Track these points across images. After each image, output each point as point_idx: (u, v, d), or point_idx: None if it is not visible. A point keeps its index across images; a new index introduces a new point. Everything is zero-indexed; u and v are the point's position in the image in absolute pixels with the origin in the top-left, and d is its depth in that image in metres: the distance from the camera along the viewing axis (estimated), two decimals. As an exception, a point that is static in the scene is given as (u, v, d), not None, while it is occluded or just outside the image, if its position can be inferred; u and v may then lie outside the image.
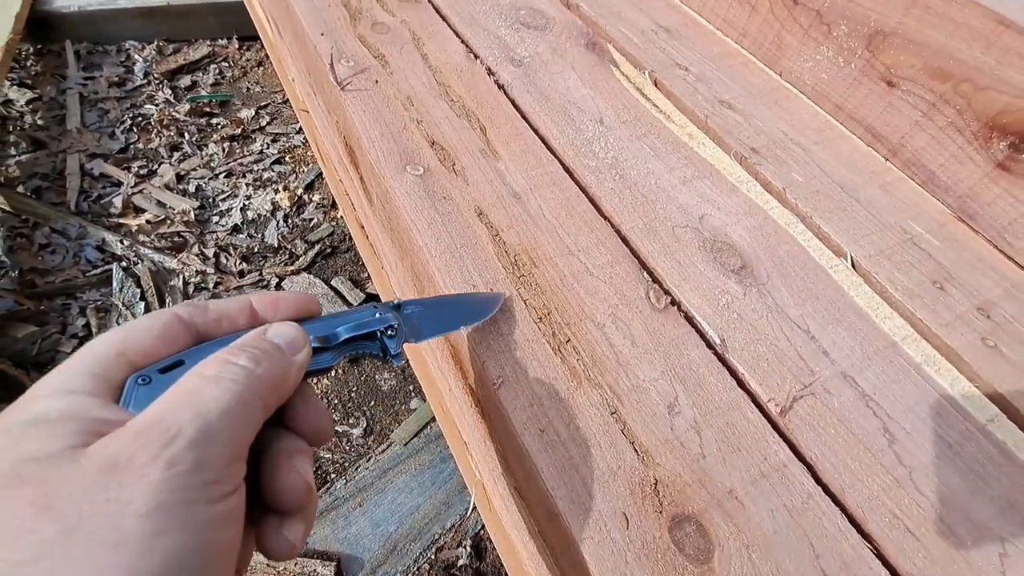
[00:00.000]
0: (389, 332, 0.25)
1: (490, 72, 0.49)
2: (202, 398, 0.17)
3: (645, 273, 0.36)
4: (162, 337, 0.20)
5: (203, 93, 1.29)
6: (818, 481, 0.29)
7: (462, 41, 0.52)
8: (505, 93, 0.48)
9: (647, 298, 0.35)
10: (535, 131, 0.45)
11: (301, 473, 0.20)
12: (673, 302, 0.35)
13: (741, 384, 0.32)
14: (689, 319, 0.34)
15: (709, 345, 0.33)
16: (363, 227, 0.70)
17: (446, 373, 0.45)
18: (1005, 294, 0.40)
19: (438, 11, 0.56)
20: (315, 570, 0.66)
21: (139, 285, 0.94)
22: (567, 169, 0.42)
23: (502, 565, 0.73)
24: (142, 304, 0.92)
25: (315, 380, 0.87)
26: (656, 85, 0.51)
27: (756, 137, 0.47)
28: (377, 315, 0.25)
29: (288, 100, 1.30)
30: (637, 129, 0.46)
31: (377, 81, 0.47)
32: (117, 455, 0.16)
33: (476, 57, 0.51)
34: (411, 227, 0.37)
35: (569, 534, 0.26)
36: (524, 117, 0.46)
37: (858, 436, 0.30)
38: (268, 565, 0.66)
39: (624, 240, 0.38)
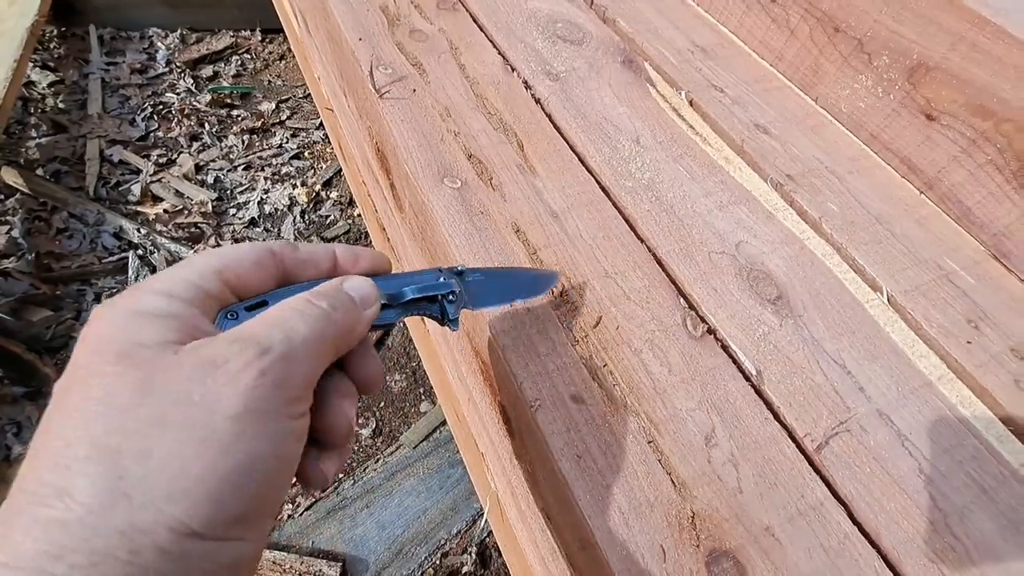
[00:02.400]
0: (450, 297, 0.26)
1: (527, 85, 0.49)
2: (289, 324, 0.19)
3: (682, 299, 0.36)
4: (256, 265, 0.21)
5: (224, 84, 1.29)
6: (854, 521, 0.29)
7: (499, 52, 0.52)
8: (542, 108, 0.48)
9: (684, 325, 0.35)
10: (572, 148, 0.45)
11: (348, 415, 0.22)
12: (710, 331, 0.35)
13: (777, 417, 0.32)
14: (725, 348, 0.34)
15: (746, 376, 0.33)
16: (384, 229, 0.70)
17: (470, 385, 0.45)
18: (1039, 336, 0.39)
19: (475, 20, 0.56)
20: (321, 570, 0.66)
21: (154, 272, 0.94)
22: (604, 189, 0.42)
23: (508, 573, 0.73)
24: (157, 293, 0.92)
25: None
26: (692, 106, 0.51)
27: (792, 164, 0.47)
28: (441, 279, 0.26)
29: (309, 95, 1.30)
30: (673, 150, 0.46)
31: (415, 90, 0.47)
32: (214, 356, 0.17)
33: (513, 70, 0.50)
34: (448, 241, 0.37)
35: (605, 565, 0.26)
36: (561, 133, 0.46)
37: (893, 476, 0.30)
38: (274, 563, 0.66)
39: (660, 264, 0.38)
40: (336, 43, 0.57)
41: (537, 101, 0.48)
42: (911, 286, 0.40)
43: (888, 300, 0.39)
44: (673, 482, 0.28)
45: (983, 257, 0.44)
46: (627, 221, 0.40)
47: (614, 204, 0.41)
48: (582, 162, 0.44)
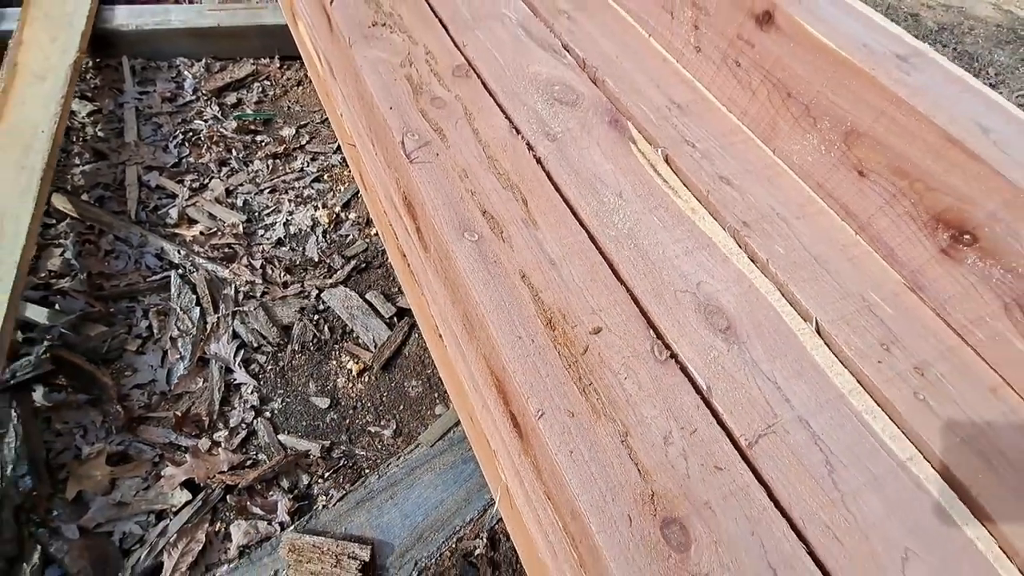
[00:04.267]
0: None
1: (529, 147, 0.59)
2: None
3: (651, 331, 0.46)
4: None
5: (248, 111, 1.39)
6: (772, 498, 0.39)
7: (506, 116, 0.62)
8: (542, 167, 0.58)
9: (652, 352, 0.45)
10: (567, 203, 0.55)
11: None
12: (672, 355, 0.45)
13: (720, 422, 0.42)
14: (684, 369, 0.44)
15: (698, 391, 0.43)
16: (405, 257, 0.80)
17: (485, 395, 0.55)
18: (940, 356, 0.49)
19: (485, 85, 0.66)
20: (354, 552, 0.77)
21: (195, 292, 1.04)
22: (592, 238, 0.52)
23: (514, 554, 0.83)
24: (197, 309, 1.02)
25: (350, 385, 0.98)
26: (667, 161, 0.61)
27: (748, 211, 0.57)
28: None
29: (326, 121, 1.40)
30: (650, 202, 0.56)
31: (438, 154, 0.57)
32: None
33: (518, 132, 0.61)
34: (469, 286, 0.47)
35: (589, 529, 0.36)
36: (558, 189, 0.56)
37: (806, 466, 0.40)
38: (314, 546, 0.77)
39: (636, 302, 0.48)
40: (367, 106, 0.67)
41: (538, 161, 0.58)
42: (837, 316, 0.50)
43: (816, 328, 0.49)
44: (639, 470, 0.38)
45: (903, 290, 0.54)
46: (611, 266, 0.50)
47: (600, 252, 0.51)
48: (575, 215, 0.54)
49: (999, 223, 0.47)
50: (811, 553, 0.36)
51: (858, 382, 0.46)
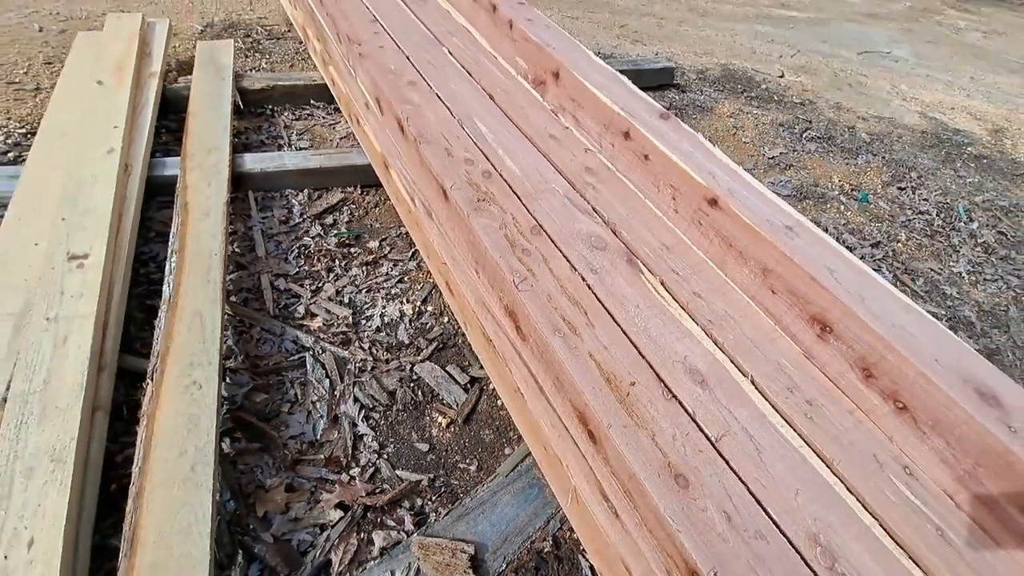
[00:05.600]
0: None
1: (583, 278, 1.02)
2: None
3: (661, 383, 0.86)
4: None
5: (343, 229, 1.85)
6: (728, 466, 0.77)
7: (566, 259, 1.06)
8: (591, 291, 1.00)
9: (662, 395, 0.84)
10: (608, 312, 0.97)
11: None
12: (673, 396, 0.85)
13: (701, 430, 0.81)
14: (680, 404, 0.84)
15: (689, 415, 0.83)
16: (491, 341, 1.21)
17: (567, 424, 0.94)
18: (820, 395, 0.89)
19: (551, 239, 1.10)
20: (463, 548, 1.11)
21: (324, 368, 1.43)
22: (624, 333, 0.93)
23: (572, 551, 1.17)
24: (327, 380, 1.41)
25: (441, 434, 1.35)
26: (662, 284, 1.03)
27: (711, 314, 0.99)
28: None
29: (403, 234, 1.85)
30: (655, 311, 0.98)
31: (532, 285, 0.99)
32: None
33: (575, 269, 1.03)
34: (562, 361, 0.87)
35: (642, 485, 0.74)
36: (602, 304, 0.98)
37: (747, 452, 0.79)
38: (435, 544, 1.11)
39: (651, 367, 0.88)
40: (478, 251, 1.10)
41: (588, 287, 1.01)
42: (763, 374, 0.90)
43: (751, 381, 0.89)
44: (661, 452, 0.77)
45: (800, 358, 0.95)
46: (636, 348, 0.91)
47: (630, 340, 0.92)
48: (613, 319, 0.95)
49: (840, 322, 0.88)
50: (740, 479, 0.74)
51: (774, 409, 0.86)
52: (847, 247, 2.16)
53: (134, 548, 0.93)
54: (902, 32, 5.43)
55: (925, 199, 2.54)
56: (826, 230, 2.23)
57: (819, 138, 2.88)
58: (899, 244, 2.24)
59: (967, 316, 1.97)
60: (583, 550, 1.14)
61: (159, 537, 0.94)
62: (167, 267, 1.42)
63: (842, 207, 2.40)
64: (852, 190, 2.52)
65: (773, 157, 2.65)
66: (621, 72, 2.87)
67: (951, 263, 2.21)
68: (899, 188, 2.59)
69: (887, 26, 5.55)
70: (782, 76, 3.64)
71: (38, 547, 0.91)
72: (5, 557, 0.90)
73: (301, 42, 2.77)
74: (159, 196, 1.79)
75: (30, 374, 1.12)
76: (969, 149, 3.20)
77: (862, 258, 2.12)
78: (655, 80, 3.02)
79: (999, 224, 2.50)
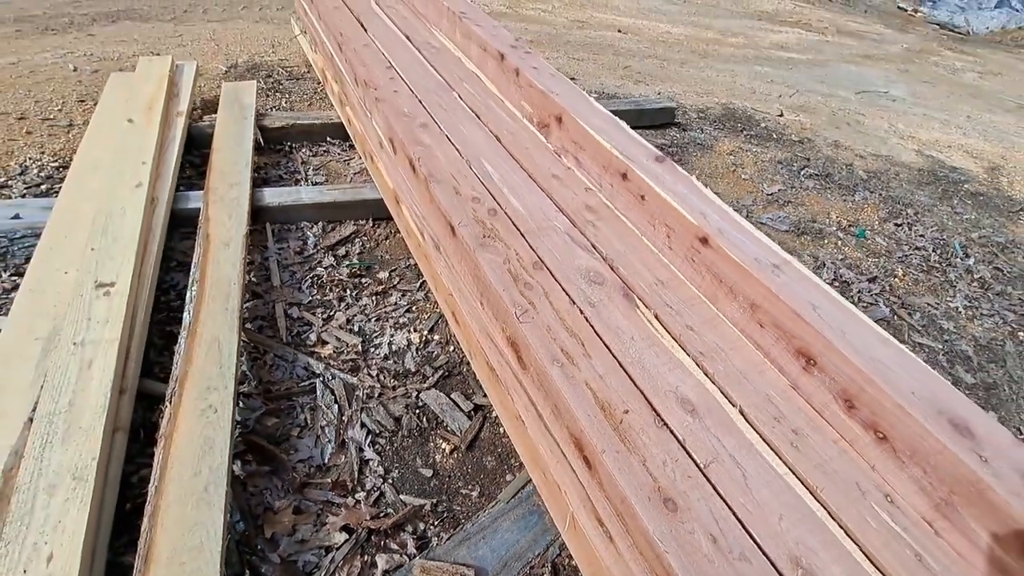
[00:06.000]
0: None
1: (581, 311, 1.08)
2: None
3: (653, 411, 0.91)
4: None
5: (354, 260, 1.93)
6: (715, 491, 0.81)
7: (566, 293, 1.12)
8: (589, 323, 1.06)
9: (654, 423, 0.89)
10: (605, 344, 1.02)
11: None
12: (665, 424, 0.89)
13: (689, 455, 0.85)
14: (671, 431, 0.89)
15: (679, 442, 0.87)
16: (494, 370, 1.26)
17: (564, 451, 0.98)
18: (806, 425, 0.94)
19: (552, 274, 1.16)
20: (463, 572, 1.14)
21: (333, 394, 1.49)
22: (620, 364, 0.99)
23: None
24: (336, 406, 1.46)
25: (445, 460, 1.38)
26: (656, 318, 1.09)
27: (703, 346, 1.04)
28: None
29: (411, 265, 1.92)
30: (649, 343, 1.03)
31: (533, 318, 1.05)
32: None
33: (574, 303, 1.10)
34: (559, 391, 0.93)
35: (633, 508, 0.78)
36: (599, 336, 1.03)
37: (733, 478, 0.83)
38: (437, 567, 1.14)
39: (644, 397, 0.93)
40: (483, 284, 1.17)
41: (586, 319, 1.06)
42: (751, 404, 0.95)
43: (740, 411, 0.94)
44: (651, 476, 0.81)
45: (788, 389, 0.99)
46: (631, 379, 0.96)
47: (624, 371, 0.97)
48: (609, 351, 1.01)
49: (823, 356, 0.93)
50: (726, 503, 0.78)
51: (761, 437, 0.90)
52: (844, 282, 2.21)
53: (148, 564, 0.97)
54: (899, 73, 5.59)
55: (921, 235, 2.60)
56: (823, 265, 2.28)
57: (817, 175, 2.97)
58: (896, 279, 2.29)
59: (964, 350, 2.00)
60: (581, 577, 1.16)
61: (172, 554, 0.99)
62: (188, 295, 1.50)
63: (839, 242, 2.46)
64: (849, 226, 2.59)
65: (772, 193, 2.73)
66: (623, 111, 3.00)
67: (948, 298, 2.25)
68: (896, 224, 2.65)
69: (884, 67, 5.72)
70: (781, 115, 3.76)
71: (57, 562, 0.95)
72: (24, 571, 0.94)
73: (319, 83, 2.93)
74: (182, 228, 1.88)
75: (56, 395, 1.19)
76: (966, 186, 3.27)
77: (859, 292, 2.17)
78: (656, 119, 3.13)
79: (995, 260, 2.54)
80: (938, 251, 2.50)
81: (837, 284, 2.19)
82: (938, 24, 10.10)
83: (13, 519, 0.99)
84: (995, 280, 2.39)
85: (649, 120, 3.09)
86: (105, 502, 1.10)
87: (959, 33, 9.62)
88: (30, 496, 1.02)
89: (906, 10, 10.67)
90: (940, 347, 2.00)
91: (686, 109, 3.50)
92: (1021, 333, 2.13)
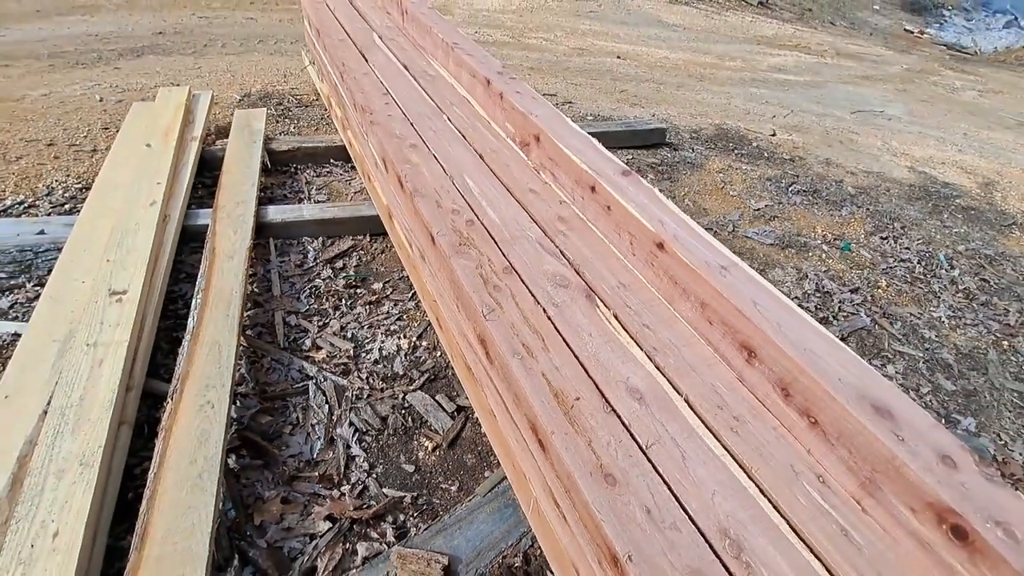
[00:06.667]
0: None
1: (544, 311, 1.17)
2: None
3: (603, 399, 0.99)
4: None
5: (351, 272, 2.04)
6: (654, 468, 0.88)
7: (532, 295, 1.21)
8: (551, 322, 1.14)
9: (603, 409, 0.97)
10: (564, 341, 1.10)
11: None
12: (613, 410, 0.97)
13: (633, 438, 0.93)
14: (619, 418, 0.96)
15: (625, 427, 0.95)
16: (470, 369, 1.35)
17: (525, 437, 1.06)
18: (747, 412, 1.00)
19: (520, 278, 1.25)
20: (438, 559, 1.20)
21: (324, 395, 1.58)
22: (576, 357, 1.07)
23: (542, 567, 1.25)
24: (327, 406, 1.55)
25: (427, 457, 1.46)
26: (615, 317, 1.17)
27: (657, 343, 1.12)
28: None
29: (404, 278, 2.03)
30: (606, 339, 1.12)
31: (499, 317, 1.14)
32: None
33: (539, 303, 1.18)
34: (517, 379, 1.01)
35: (576, 483, 0.86)
36: (560, 333, 1.12)
37: (673, 458, 0.90)
38: (412, 555, 1.21)
39: (596, 386, 1.01)
40: (457, 287, 1.26)
41: (549, 319, 1.15)
42: (697, 394, 1.02)
43: (685, 399, 1.01)
44: (595, 455, 0.89)
45: (734, 380, 1.06)
46: (585, 370, 1.04)
47: (580, 364, 1.05)
48: (568, 347, 1.09)
49: (762, 348, 1.01)
50: (664, 480, 0.85)
51: (703, 424, 0.97)
52: (826, 292, 2.27)
53: (144, 542, 1.06)
54: (897, 92, 5.67)
55: (907, 248, 2.65)
56: (806, 276, 2.34)
57: (805, 191, 3.04)
58: (879, 290, 2.34)
59: (945, 358, 2.04)
60: (552, 569, 1.22)
61: (166, 533, 1.08)
62: (193, 302, 1.62)
63: (824, 255, 2.52)
64: (835, 239, 2.65)
65: (758, 209, 2.81)
66: (616, 132, 3.12)
67: (931, 308, 2.28)
68: (881, 238, 2.70)
69: (882, 87, 5.81)
70: (774, 135, 3.85)
71: (62, 538, 1.05)
72: (32, 546, 1.04)
73: (326, 109, 3.10)
74: (191, 243, 2.02)
75: (69, 391, 1.30)
76: (957, 201, 3.31)
77: (840, 303, 2.22)
78: (648, 139, 3.25)
79: (983, 272, 2.57)
80: (923, 263, 2.55)
81: (819, 295, 2.25)
82: (945, 45, 10.18)
83: (24, 499, 1.09)
84: (980, 291, 2.43)
85: (641, 140, 3.21)
86: (108, 488, 1.20)
87: (966, 53, 9.70)
88: (41, 479, 1.13)
89: (912, 32, 10.78)
90: (920, 355, 2.04)
91: (679, 130, 3.62)
92: (1005, 342, 2.16)
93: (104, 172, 2.13)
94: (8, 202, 2.15)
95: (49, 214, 2.11)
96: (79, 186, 2.30)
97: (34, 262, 1.83)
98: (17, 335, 1.55)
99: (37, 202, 2.18)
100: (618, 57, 5.31)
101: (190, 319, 1.56)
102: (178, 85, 3.09)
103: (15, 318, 1.66)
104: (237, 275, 1.75)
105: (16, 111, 2.82)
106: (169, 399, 1.34)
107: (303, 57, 3.68)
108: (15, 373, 1.35)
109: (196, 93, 2.71)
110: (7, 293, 1.74)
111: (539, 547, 1.26)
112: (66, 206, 2.18)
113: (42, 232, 1.90)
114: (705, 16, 7.79)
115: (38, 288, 1.74)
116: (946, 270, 2.52)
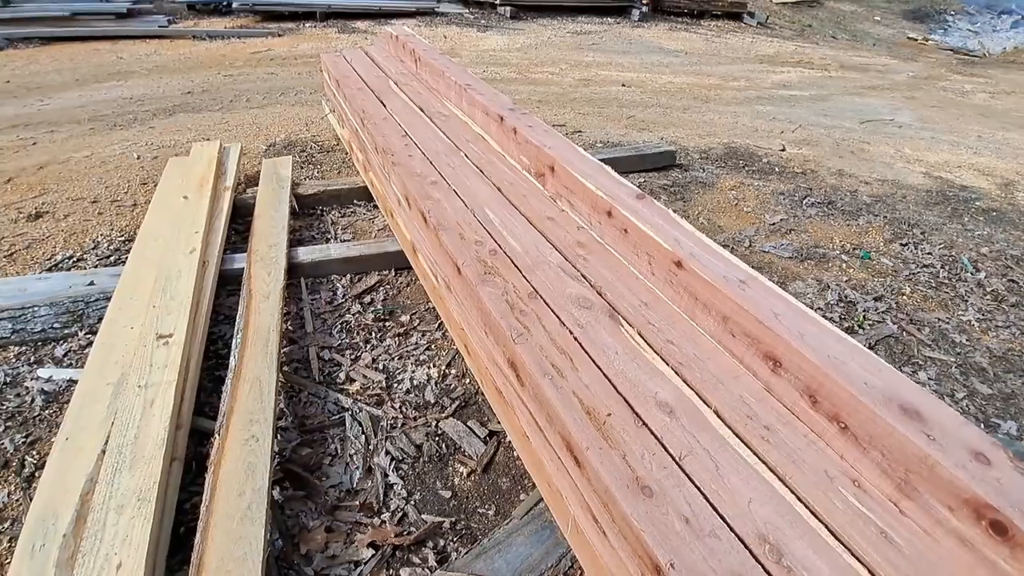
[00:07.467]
0: None
1: (571, 332, 1.21)
2: None
3: (634, 415, 1.02)
4: None
5: (379, 307, 2.12)
6: (690, 480, 0.91)
7: (557, 318, 1.26)
8: (578, 342, 1.19)
9: (634, 424, 1.00)
10: (592, 359, 1.15)
11: None
12: (644, 424, 1.00)
13: (666, 451, 0.95)
14: (651, 432, 0.99)
15: (657, 439, 0.98)
16: (501, 392, 1.39)
17: (559, 454, 1.09)
18: (777, 421, 1.02)
19: (545, 302, 1.31)
20: (479, 583, 1.22)
21: (361, 425, 1.63)
22: (605, 376, 1.11)
23: (580, 587, 1.26)
24: (363, 436, 1.60)
25: (462, 482, 1.49)
26: (639, 335, 1.21)
27: (682, 358, 1.15)
28: None
29: (430, 309, 2.10)
30: (632, 356, 1.15)
31: (527, 340, 1.19)
32: None
33: (564, 325, 1.23)
34: (549, 399, 1.05)
35: (613, 495, 0.89)
36: (586, 352, 1.16)
37: (707, 469, 0.93)
38: (446, 574, 1.23)
39: (627, 403, 1.05)
40: (484, 314, 1.32)
41: (575, 339, 1.20)
42: (726, 405, 1.05)
43: (715, 411, 1.04)
44: (631, 469, 0.92)
45: (761, 391, 1.09)
46: (614, 387, 1.08)
47: (609, 382, 1.09)
48: (596, 365, 1.13)
49: (786, 357, 1.04)
50: (699, 490, 0.88)
51: (734, 434, 1.00)
52: (849, 302, 2.27)
53: (200, 571, 1.11)
54: (905, 100, 5.69)
55: (929, 253, 2.64)
56: (828, 287, 2.35)
57: (819, 203, 3.06)
58: (903, 297, 2.33)
59: (978, 362, 2.01)
60: (591, 586, 1.23)
61: (220, 563, 1.12)
62: (233, 342, 1.70)
63: (844, 265, 2.52)
64: (854, 249, 2.65)
65: (774, 223, 2.83)
66: (625, 157, 3.20)
67: (959, 312, 2.26)
68: (901, 244, 2.70)
69: (890, 96, 5.84)
70: (783, 150, 3.90)
71: (124, 570, 1.10)
72: (99, 579, 1.09)
73: (347, 153, 3.25)
74: (228, 285, 2.12)
75: (124, 430, 1.37)
76: (977, 203, 3.29)
77: (865, 311, 2.22)
78: (658, 162, 3.32)
79: (1010, 273, 2.54)
80: (947, 267, 2.53)
81: (842, 304, 2.25)
82: (951, 50, 10.18)
83: (89, 534, 1.15)
84: (1009, 292, 2.40)
85: (651, 164, 3.28)
86: (164, 521, 1.25)
87: (974, 56, 9.67)
88: (103, 515, 1.19)
89: (916, 39, 10.81)
90: (952, 360, 2.01)
91: (688, 151, 3.69)
92: (1040, 343, 2.12)
93: (145, 224, 2.27)
94: (59, 257, 2.30)
95: (96, 266, 2.24)
96: (122, 238, 2.44)
97: (85, 311, 1.94)
98: (73, 381, 1.65)
99: (84, 256, 2.32)
100: (623, 85, 5.46)
101: (231, 357, 1.64)
102: (209, 139, 3.28)
103: (70, 365, 1.77)
104: (273, 314, 1.83)
105: (62, 172, 3.02)
106: (216, 434, 1.40)
107: (323, 106, 3.88)
108: (73, 416, 1.43)
109: (226, 146, 2.88)
110: (62, 342, 1.85)
111: (579, 567, 1.27)
112: (111, 257, 2.31)
113: (91, 283, 2.02)
114: (705, 40, 7.97)
115: (90, 336, 1.84)
116: (971, 273, 2.50)
